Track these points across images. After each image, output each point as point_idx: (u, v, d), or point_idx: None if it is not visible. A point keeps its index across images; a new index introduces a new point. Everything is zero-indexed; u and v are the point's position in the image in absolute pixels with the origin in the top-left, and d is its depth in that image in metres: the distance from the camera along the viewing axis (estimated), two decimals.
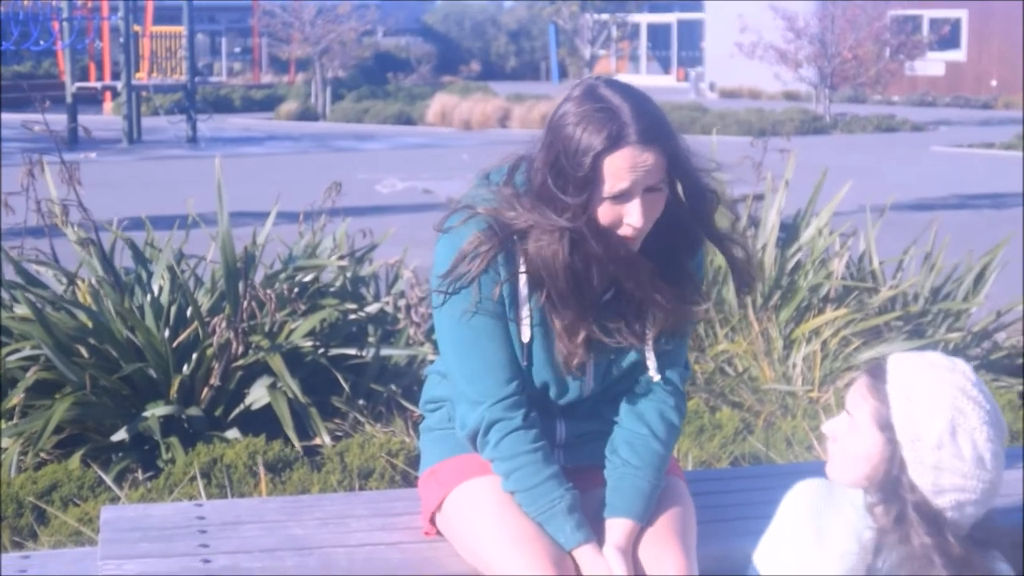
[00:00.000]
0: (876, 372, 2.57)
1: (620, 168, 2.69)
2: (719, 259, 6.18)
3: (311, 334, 5.31)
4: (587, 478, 2.93)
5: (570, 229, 2.74)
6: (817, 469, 2.70)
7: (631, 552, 2.81)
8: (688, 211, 2.87)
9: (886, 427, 2.51)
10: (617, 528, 2.82)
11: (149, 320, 5.15)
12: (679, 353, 2.98)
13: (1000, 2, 40.19)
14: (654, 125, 2.71)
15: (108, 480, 4.51)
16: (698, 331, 5.89)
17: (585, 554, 2.76)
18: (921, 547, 2.47)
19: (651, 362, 2.90)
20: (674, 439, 2.96)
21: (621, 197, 2.72)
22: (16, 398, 4.91)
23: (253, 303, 5.13)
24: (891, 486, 2.51)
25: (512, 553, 2.75)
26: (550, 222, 2.74)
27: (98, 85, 31.00)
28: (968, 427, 2.47)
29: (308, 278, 5.65)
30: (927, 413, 2.48)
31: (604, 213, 2.74)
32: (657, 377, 2.91)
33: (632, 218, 2.73)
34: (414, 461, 4.55)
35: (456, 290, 2.82)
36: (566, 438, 2.97)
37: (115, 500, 4.37)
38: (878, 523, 2.53)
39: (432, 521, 3.03)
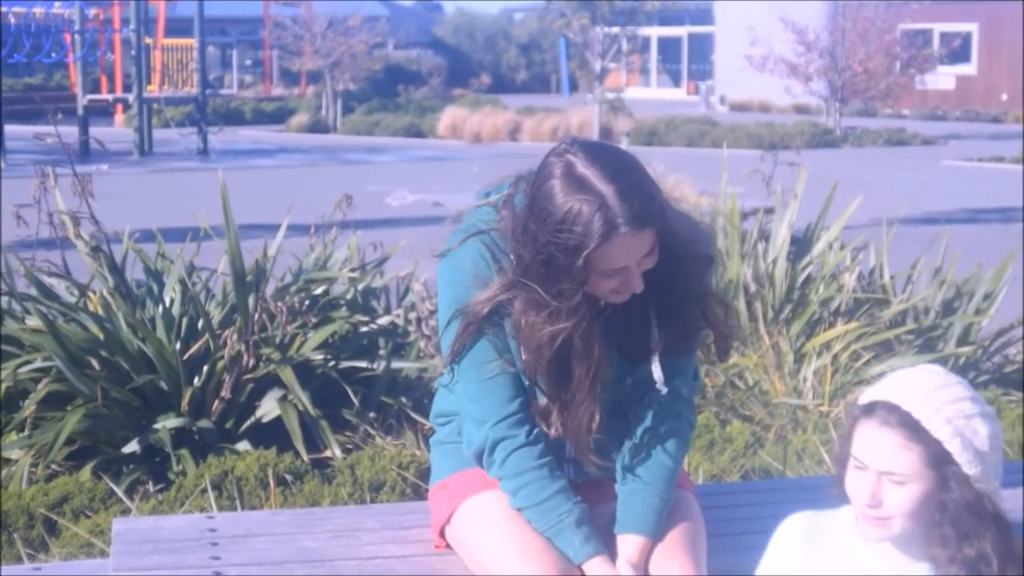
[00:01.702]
0: (891, 421, 2.48)
1: (614, 256, 2.68)
2: (729, 274, 6.19)
3: (322, 346, 5.32)
4: (597, 491, 2.93)
5: (567, 311, 2.72)
6: (828, 484, 2.69)
7: (643, 568, 2.81)
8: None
9: (942, 461, 2.46)
10: (628, 544, 2.82)
11: (160, 332, 5.16)
12: (688, 365, 2.97)
13: (1010, 16, 40.17)
14: (642, 206, 2.66)
15: (119, 492, 4.51)
16: (707, 344, 5.88)
17: (595, 567, 2.77)
18: (994, 553, 2.46)
19: (658, 374, 2.89)
20: (684, 452, 2.96)
21: (615, 272, 2.72)
22: (28, 410, 4.92)
23: (264, 315, 5.14)
24: (964, 511, 2.47)
25: (520, 566, 2.75)
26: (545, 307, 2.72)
27: (109, 97, 31.08)
28: (992, 418, 2.51)
29: (319, 291, 5.65)
30: (971, 427, 2.47)
31: (599, 285, 2.74)
32: (665, 389, 2.90)
33: (631, 287, 2.74)
34: (424, 474, 4.55)
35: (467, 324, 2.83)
36: (575, 452, 2.97)
37: (126, 512, 4.37)
38: (955, 556, 2.49)
39: (442, 534, 3.03)
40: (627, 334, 2.88)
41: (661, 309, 2.85)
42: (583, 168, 2.67)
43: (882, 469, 2.48)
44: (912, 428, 2.46)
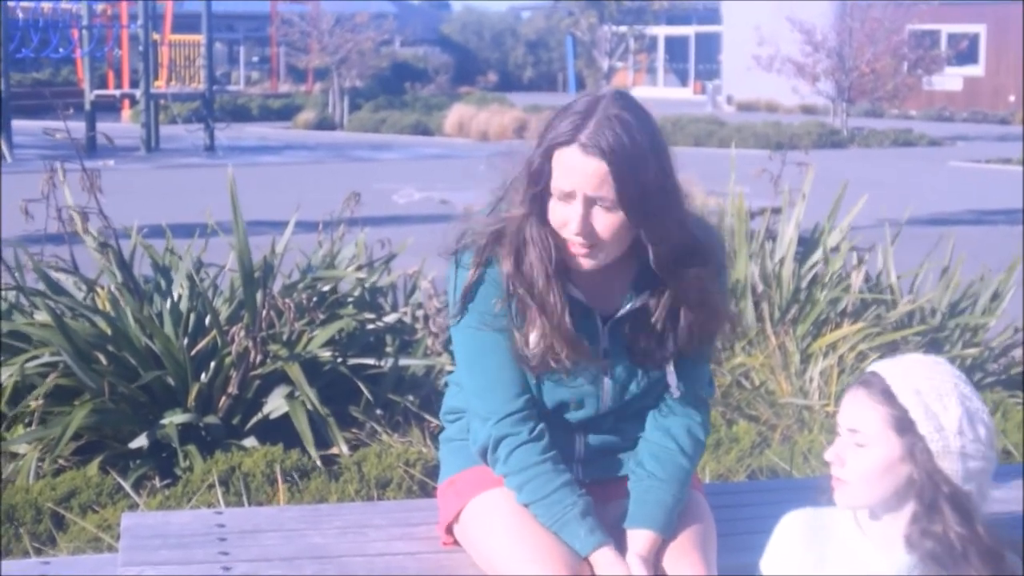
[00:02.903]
0: (870, 383, 2.58)
1: (564, 164, 2.71)
2: (736, 273, 6.20)
3: (329, 343, 5.32)
4: (607, 491, 2.94)
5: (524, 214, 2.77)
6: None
7: (653, 563, 2.81)
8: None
9: (905, 428, 2.52)
10: (639, 538, 2.82)
11: (168, 328, 5.17)
12: (702, 370, 2.98)
13: (1018, 18, 40.12)
14: (613, 139, 2.67)
15: (127, 487, 4.52)
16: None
17: (602, 557, 2.77)
18: (958, 539, 2.49)
19: (672, 379, 2.90)
20: (699, 455, 2.97)
21: (565, 198, 2.73)
22: (35, 404, 4.93)
23: (272, 312, 5.15)
24: (925, 488, 2.51)
25: (529, 564, 2.75)
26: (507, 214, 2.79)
27: (117, 93, 31.07)
28: (975, 409, 2.54)
29: (326, 288, 5.66)
30: (941, 403, 2.52)
31: (553, 210, 2.75)
32: (678, 394, 2.91)
33: (572, 224, 2.72)
34: (431, 471, 4.56)
35: (464, 307, 2.83)
36: (585, 453, 2.97)
37: (133, 507, 4.38)
38: (923, 541, 2.52)
39: (450, 531, 3.04)
40: (642, 343, 2.87)
41: (675, 316, 2.85)
42: (607, 99, 2.74)
43: (848, 426, 2.58)
44: (883, 391, 2.54)
